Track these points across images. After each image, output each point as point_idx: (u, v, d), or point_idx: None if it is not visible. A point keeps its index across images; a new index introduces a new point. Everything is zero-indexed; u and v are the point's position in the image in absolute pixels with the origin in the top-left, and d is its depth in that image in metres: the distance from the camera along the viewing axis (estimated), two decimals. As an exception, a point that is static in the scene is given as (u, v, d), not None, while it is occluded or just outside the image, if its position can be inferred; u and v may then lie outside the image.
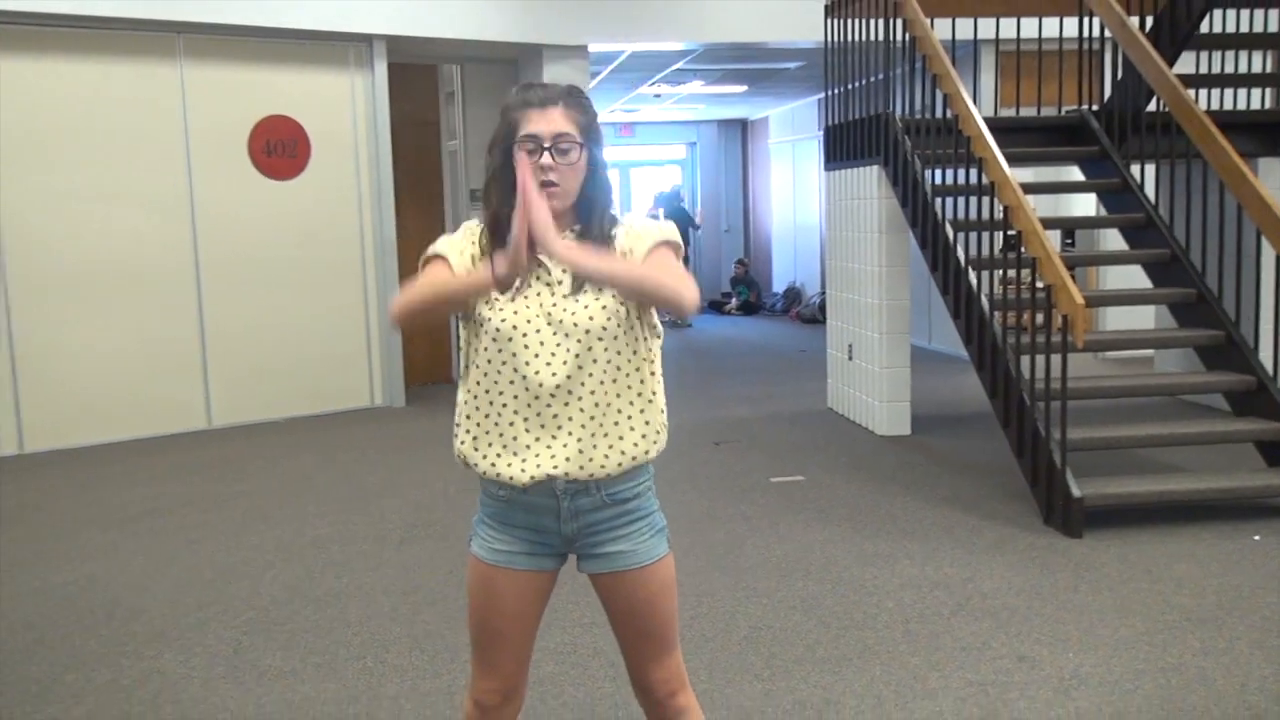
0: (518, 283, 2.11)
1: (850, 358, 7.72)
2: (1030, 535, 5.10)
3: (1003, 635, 3.98)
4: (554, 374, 2.16)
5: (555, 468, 2.16)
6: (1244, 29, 6.95)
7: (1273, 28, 7.03)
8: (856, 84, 7.50)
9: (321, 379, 8.41)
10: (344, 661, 3.90)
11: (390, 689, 3.67)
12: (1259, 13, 6.96)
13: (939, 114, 6.42)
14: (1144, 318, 7.98)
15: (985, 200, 5.98)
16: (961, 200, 6.29)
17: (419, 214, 9.31)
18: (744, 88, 13.20)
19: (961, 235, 6.28)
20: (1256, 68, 7.68)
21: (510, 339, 2.16)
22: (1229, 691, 3.50)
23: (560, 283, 2.19)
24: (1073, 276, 5.18)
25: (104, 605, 4.51)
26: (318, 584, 4.70)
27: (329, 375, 8.45)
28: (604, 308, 2.17)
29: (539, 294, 2.19)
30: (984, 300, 6.01)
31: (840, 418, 7.86)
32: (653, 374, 2.27)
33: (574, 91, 2.21)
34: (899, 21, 6.74)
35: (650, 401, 2.25)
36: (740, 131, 17.14)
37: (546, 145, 2.13)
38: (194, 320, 7.89)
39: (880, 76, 7.10)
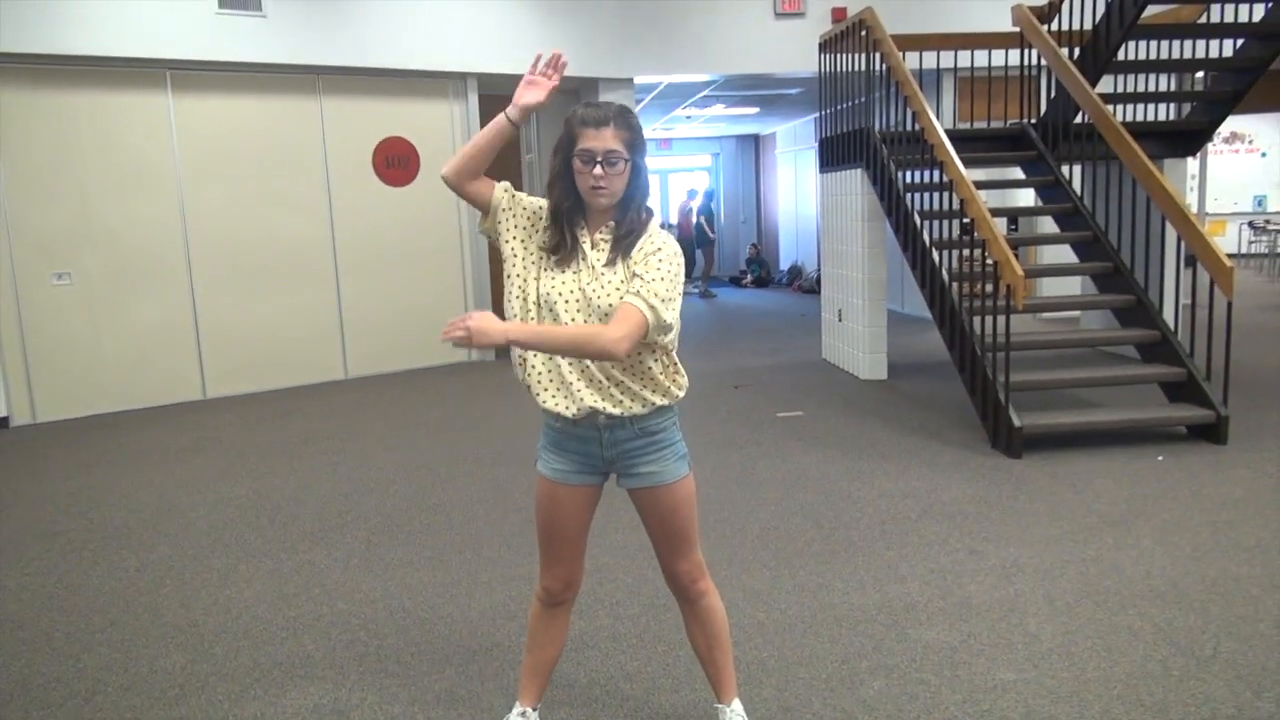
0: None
1: (840, 320, 7.65)
2: (980, 457, 5.04)
3: (958, 534, 3.95)
4: None
5: (596, 404, 2.15)
6: (1153, 56, 6.77)
7: (1175, 55, 6.83)
8: (844, 105, 7.38)
9: (431, 339, 8.39)
10: (449, 555, 3.94)
11: (485, 576, 3.71)
12: (1164, 43, 6.76)
13: (909, 127, 6.31)
14: (1071, 286, 7.84)
15: (945, 195, 5.89)
16: (927, 195, 6.20)
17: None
18: (756, 109, 13.01)
19: (927, 223, 6.19)
20: (1163, 87, 7.49)
21: (554, 305, 2.15)
22: (1136, 577, 3.46)
23: (594, 266, 2.15)
24: (1015, 254, 5.09)
25: (268, 512, 4.58)
26: (429, 496, 4.75)
27: (437, 336, 8.45)
28: (621, 296, 2.11)
29: (578, 272, 2.16)
30: (944, 273, 5.92)
31: (832, 366, 7.79)
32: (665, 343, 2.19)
33: (624, 112, 2.14)
34: (878, 55, 6.61)
35: (663, 363, 2.21)
36: (754, 144, 16.94)
37: (599, 159, 2.09)
38: (333, 295, 7.94)
39: (862, 99, 6.98)
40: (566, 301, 2.15)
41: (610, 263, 2.15)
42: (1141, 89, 6.86)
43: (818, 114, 8.26)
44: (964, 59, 7.22)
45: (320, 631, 3.27)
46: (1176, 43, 6.78)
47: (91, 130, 6.85)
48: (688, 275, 13.99)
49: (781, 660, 2.94)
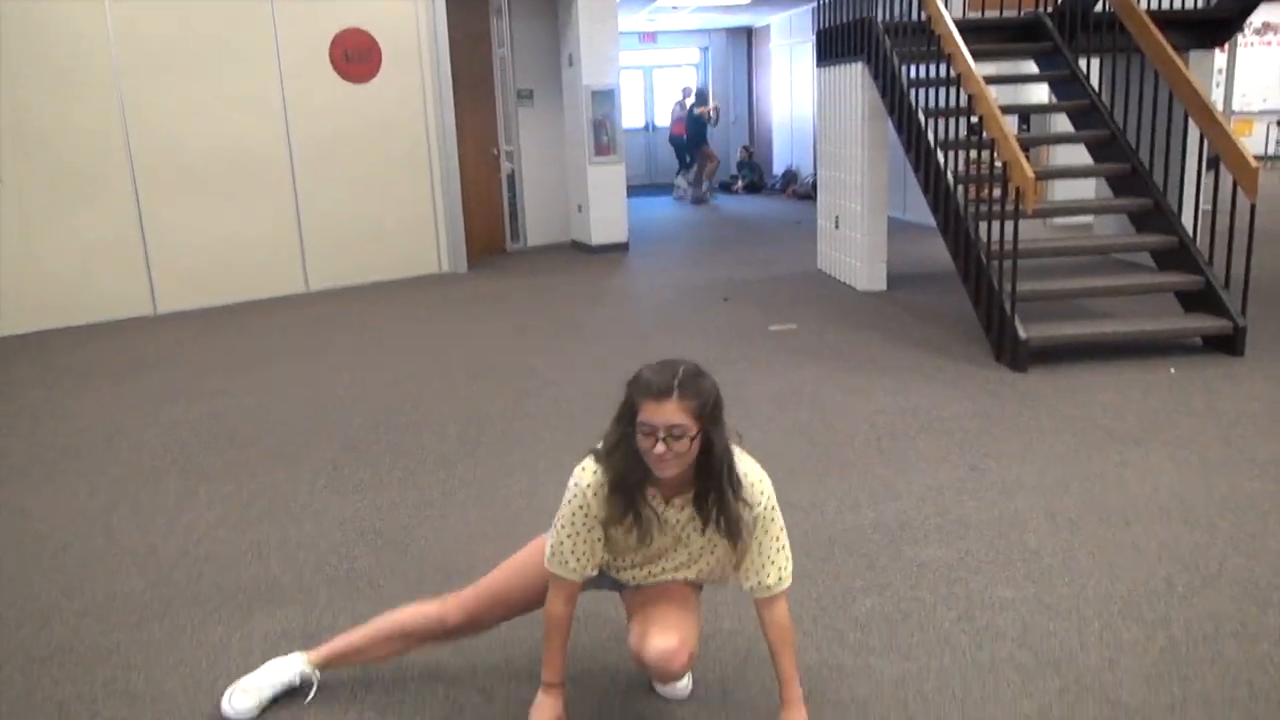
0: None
1: (837, 227, 7.64)
2: (984, 371, 5.10)
3: (958, 451, 4.02)
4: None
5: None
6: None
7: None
8: (844, -9, 7.26)
9: (397, 250, 8.40)
10: (421, 475, 3.99)
11: (459, 496, 3.76)
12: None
13: (915, 17, 6.22)
14: (1085, 189, 7.84)
15: (953, 90, 5.84)
16: (932, 91, 6.15)
17: (474, 109, 9.16)
18: (749, -2, 12.78)
19: (932, 121, 6.14)
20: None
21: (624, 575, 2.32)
22: (1142, 494, 3.55)
23: (677, 526, 2.19)
24: (1026, 155, 5.08)
25: (227, 434, 4.61)
26: (398, 415, 4.78)
27: (403, 247, 8.43)
28: (736, 566, 2.23)
29: (654, 538, 2.20)
30: (950, 176, 5.91)
31: (828, 277, 7.81)
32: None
33: (689, 378, 2.00)
34: (881, -66, 6.48)
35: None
36: (746, 37, 16.65)
37: (660, 435, 1.97)
38: (290, 203, 7.85)
39: (864, -16, 6.87)
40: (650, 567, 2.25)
41: (702, 529, 2.17)
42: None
43: (815, 3, 8.12)
44: (975, -60, 7.09)
45: (286, 555, 3.33)
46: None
47: (19, 24, 6.67)
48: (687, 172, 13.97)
49: (771, 580, 3.02)
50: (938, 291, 6.91)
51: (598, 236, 9.42)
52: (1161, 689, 2.41)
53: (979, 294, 5.52)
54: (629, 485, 2.09)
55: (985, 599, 2.86)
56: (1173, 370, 4.96)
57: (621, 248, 9.50)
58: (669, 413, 1.97)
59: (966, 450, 4.02)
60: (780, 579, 2.20)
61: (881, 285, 7.18)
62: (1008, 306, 5.15)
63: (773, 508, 2.17)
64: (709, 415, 2.01)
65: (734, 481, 2.09)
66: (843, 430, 4.31)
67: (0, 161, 6.70)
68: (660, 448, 1.98)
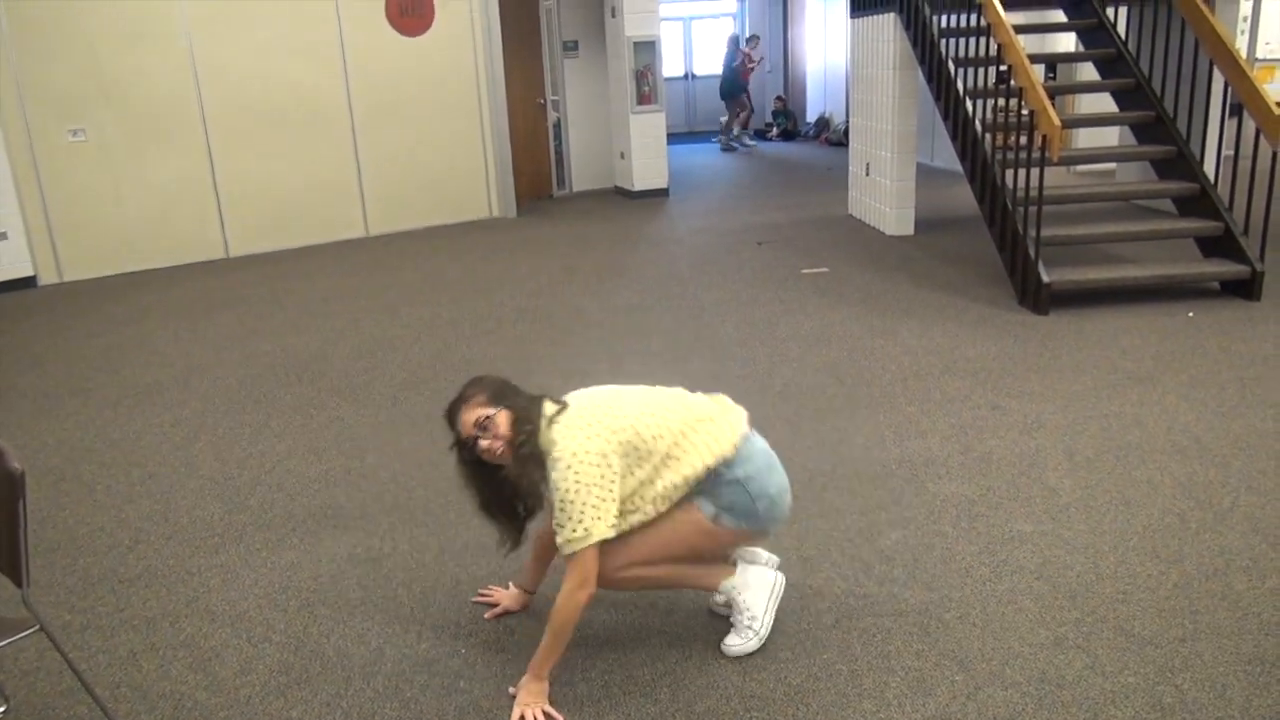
0: None
1: (867, 173, 7.49)
2: (1007, 313, 5.01)
3: (980, 390, 3.96)
4: None
5: None
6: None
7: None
8: (878, -57, 7.01)
9: (450, 196, 8.36)
10: (474, 410, 4.00)
11: (509, 431, 3.77)
12: None
13: (946, -33, 6.00)
14: (1109, 137, 7.60)
15: (982, 40, 5.65)
16: (962, 40, 5.95)
17: (522, 60, 9.03)
18: (785, -51, 12.38)
19: (961, 70, 5.96)
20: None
21: None
22: (1158, 432, 3.48)
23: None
24: (1052, 103, 4.92)
25: (295, 369, 4.65)
26: (452, 353, 4.79)
27: (456, 193, 8.39)
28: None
29: None
30: (977, 124, 5.74)
31: (858, 222, 7.68)
32: None
33: (470, 385, 2.27)
34: (915, -113, 6.23)
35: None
36: (781, -13, 16.21)
37: (477, 434, 2.18)
38: (349, 150, 7.83)
39: (898, -64, 6.63)
40: None
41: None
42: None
43: (850, -47, 7.86)
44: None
45: (351, 484, 3.37)
46: None
47: (94, -21, 6.65)
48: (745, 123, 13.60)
49: (801, 513, 3.00)
50: (964, 237, 6.77)
51: (639, 182, 9.32)
52: (1174, 621, 2.38)
53: (1004, 239, 5.39)
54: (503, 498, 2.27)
55: (1005, 533, 2.83)
56: (1190, 314, 4.83)
57: (662, 193, 9.39)
58: (471, 414, 2.19)
59: (989, 390, 3.96)
60: (563, 541, 2.11)
61: (909, 230, 7.04)
62: (1032, 251, 5.03)
63: (566, 467, 2.10)
64: (500, 395, 2.22)
65: (527, 433, 2.18)
66: (870, 369, 4.26)
67: (82, 109, 6.73)
68: (484, 442, 2.18)
